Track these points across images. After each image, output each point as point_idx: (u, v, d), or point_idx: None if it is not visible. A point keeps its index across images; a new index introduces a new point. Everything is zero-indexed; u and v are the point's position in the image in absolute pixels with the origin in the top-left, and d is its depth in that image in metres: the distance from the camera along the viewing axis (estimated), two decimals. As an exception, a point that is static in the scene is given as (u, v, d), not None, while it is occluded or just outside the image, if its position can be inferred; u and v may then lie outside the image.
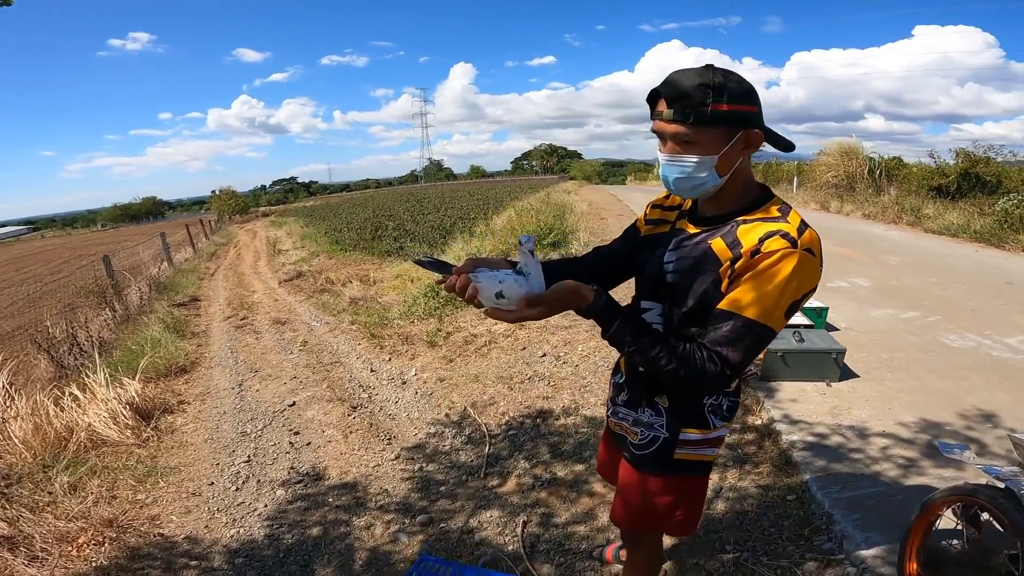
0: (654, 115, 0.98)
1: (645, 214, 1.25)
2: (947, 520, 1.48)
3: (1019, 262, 6.15)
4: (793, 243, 0.91)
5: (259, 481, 2.74)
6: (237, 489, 2.69)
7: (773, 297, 0.92)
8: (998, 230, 7.25)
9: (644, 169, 39.97)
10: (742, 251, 0.94)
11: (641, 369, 1.12)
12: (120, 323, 6.26)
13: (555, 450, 2.72)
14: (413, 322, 5.05)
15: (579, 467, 2.54)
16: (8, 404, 3.31)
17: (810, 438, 2.55)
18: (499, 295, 0.97)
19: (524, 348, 4.06)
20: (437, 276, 1.06)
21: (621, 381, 1.28)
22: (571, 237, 8.13)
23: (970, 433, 2.52)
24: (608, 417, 1.35)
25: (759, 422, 2.78)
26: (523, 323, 3.49)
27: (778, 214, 0.98)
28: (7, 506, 2.37)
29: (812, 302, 3.83)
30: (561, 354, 3.87)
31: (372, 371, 4.06)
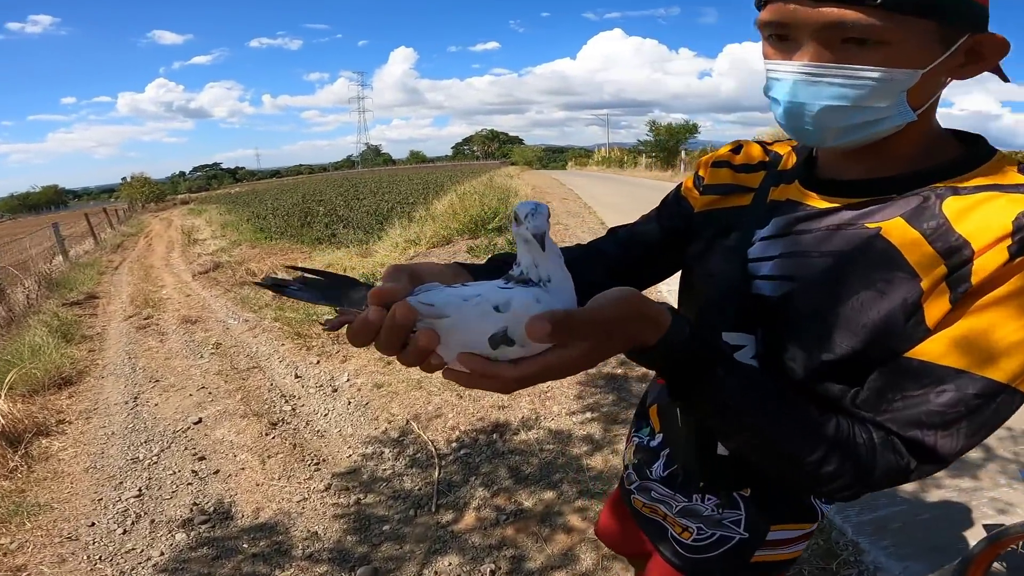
0: None
1: (697, 175, 0.76)
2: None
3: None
4: None
5: (153, 521, 2.26)
6: (125, 532, 2.21)
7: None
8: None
9: (584, 155, 40.50)
10: (968, 246, 0.47)
11: (728, 450, 0.65)
12: (1, 328, 5.40)
13: (517, 473, 2.34)
14: (346, 318, 4.53)
15: (548, 494, 2.17)
16: None
17: None
18: (500, 337, 0.42)
19: (472, 345, 3.66)
20: (325, 309, 0.53)
21: (654, 445, 0.81)
22: (517, 221, 7.77)
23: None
24: (629, 489, 0.87)
25: None
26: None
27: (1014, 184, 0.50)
28: None
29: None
30: (514, 351, 3.48)
31: (297, 377, 3.55)
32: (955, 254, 0.48)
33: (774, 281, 0.60)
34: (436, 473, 2.37)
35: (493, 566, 1.84)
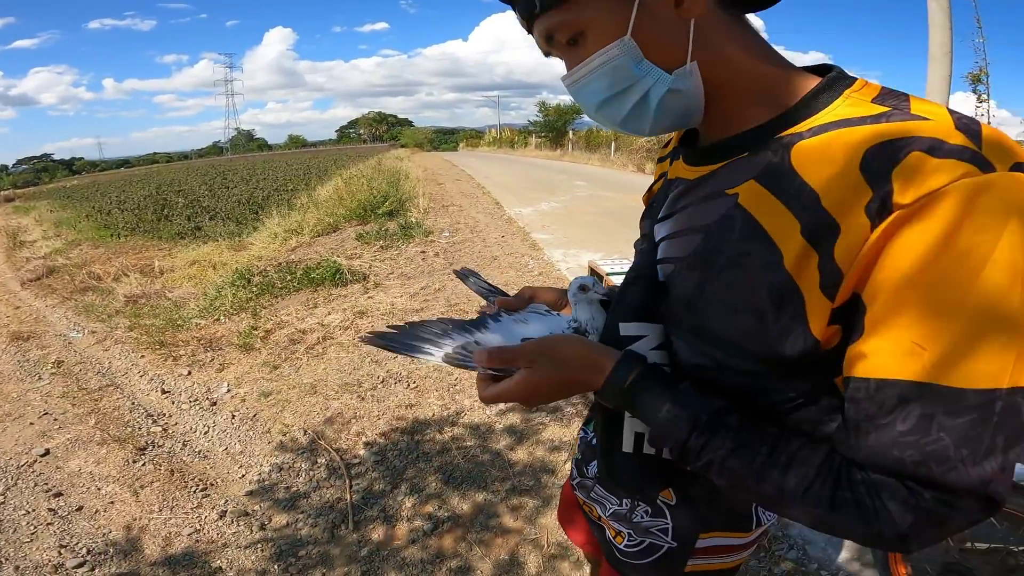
0: (526, 27, 0.54)
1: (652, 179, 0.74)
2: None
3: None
4: (975, 159, 0.38)
5: (18, 567, 1.88)
6: None
7: (1002, 314, 0.37)
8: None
9: (475, 136, 40.41)
10: (828, 207, 0.41)
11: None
12: None
13: (445, 474, 2.19)
14: (218, 320, 4.07)
15: (479, 496, 2.05)
16: None
17: None
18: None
19: (369, 341, 3.42)
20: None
21: (595, 442, 0.75)
22: (409, 204, 7.47)
23: None
24: (572, 486, 0.83)
25: None
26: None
27: (883, 107, 0.43)
28: None
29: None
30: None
31: (164, 392, 3.09)
32: (811, 220, 0.42)
33: (662, 264, 0.57)
34: (348, 485, 2.14)
35: None
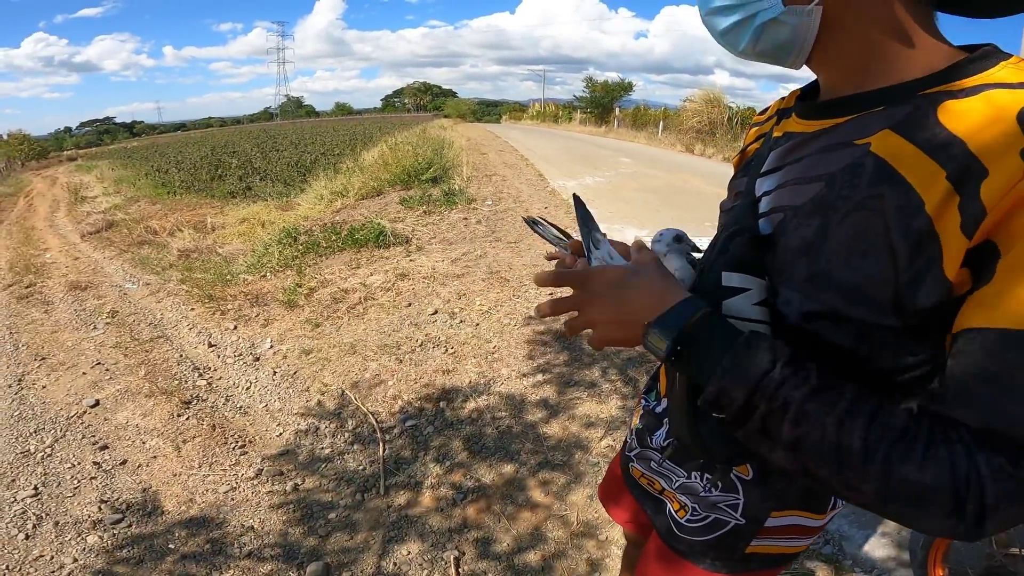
0: None
1: (743, 144, 0.72)
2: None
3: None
4: None
5: (58, 523, 1.92)
6: (27, 537, 1.87)
7: None
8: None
9: (519, 109, 40.05)
10: (976, 152, 0.39)
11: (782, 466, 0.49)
12: None
13: (472, 444, 2.15)
14: (264, 276, 4.16)
15: (507, 468, 2.00)
16: None
17: None
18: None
19: (410, 305, 3.40)
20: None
21: (659, 410, 0.72)
22: (452, 171, 7.42)
23: None
24: (628, 456, 0.79)
25: None
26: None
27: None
28: None
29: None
30: (456, 311, 3.25)
31: (211, 346, 3.17)
32: (958, 165, 0.40)
33: (768, 216, 0.54)
34: (381, 450, 2.13)
35: (457, 552, 1.66)
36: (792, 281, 0.50)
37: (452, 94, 73.50)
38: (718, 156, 11.77)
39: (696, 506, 0.67)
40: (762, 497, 0.62)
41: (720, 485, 0.64)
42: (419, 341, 2.95)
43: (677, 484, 0.70)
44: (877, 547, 1.60)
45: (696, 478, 0.67)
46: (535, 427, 2.22)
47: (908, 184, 0.42)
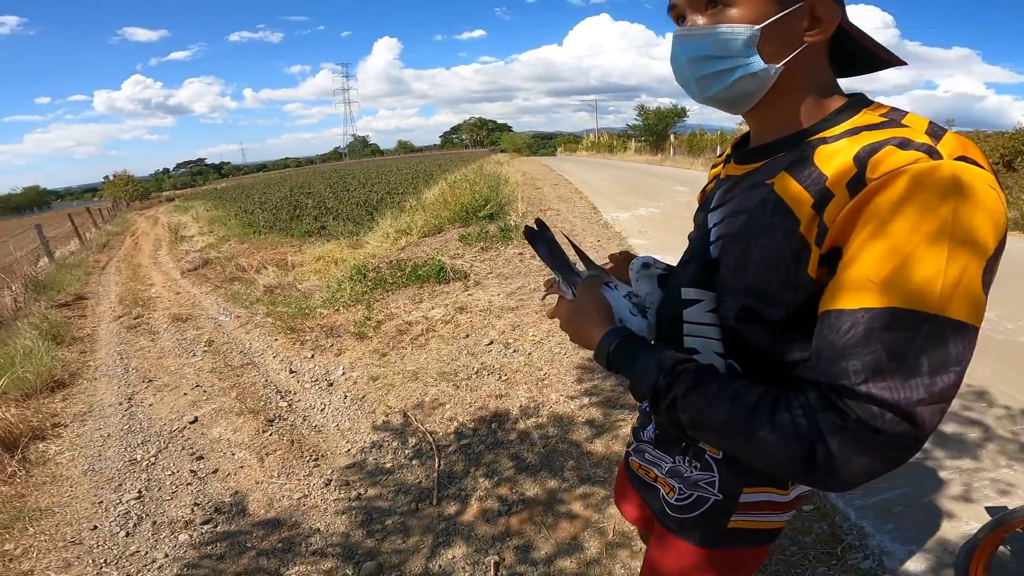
0: None
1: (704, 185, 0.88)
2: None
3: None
4: (930, 152, 0.50)
5: (155, 523, 2.21)
6: (128, 534, 2.16)
7: (936, 255, 0.47)
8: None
9: (573, 140, 40.19)
10: (828, 185, 0.54)
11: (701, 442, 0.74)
12: (-15, 333, 5.27)
13: (519, 462, 2.31)
14: (338, 310, 4.49)
15: (551, 483, 2.15)
16: None
17: None
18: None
19: (467, 336, 3.62)
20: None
21: (648, 408, 0.87)
22: (508, 207, 7.71)
23: (970, 414, 2.34)
24: (628, 452, 0.95)
25: None
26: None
27: (883, 119, 0.57)
28: None
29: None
30: (510, 341, 3.44)
31: (292, 372, 3.50)
32: (820, 195, 0.55)
33: (715, 243, 0.69)
34: (437, 464, 2.34)
35: (498, 557, 1.82)
36: (729, 292, 0.66)
37: (507, 128, 74.81)
38: None
39: (682, 486, 0.79)
40: (732, 474, 0.74)
41: (699, 465, 0.76)
42: (475, 369, 3.15)
43: (666, 469, 0.82)
44: (918, 562, 1.61)
45: (680, 461, 0.79)
46: (580, 446, 2.35)
47: (791, 211, 0.57)
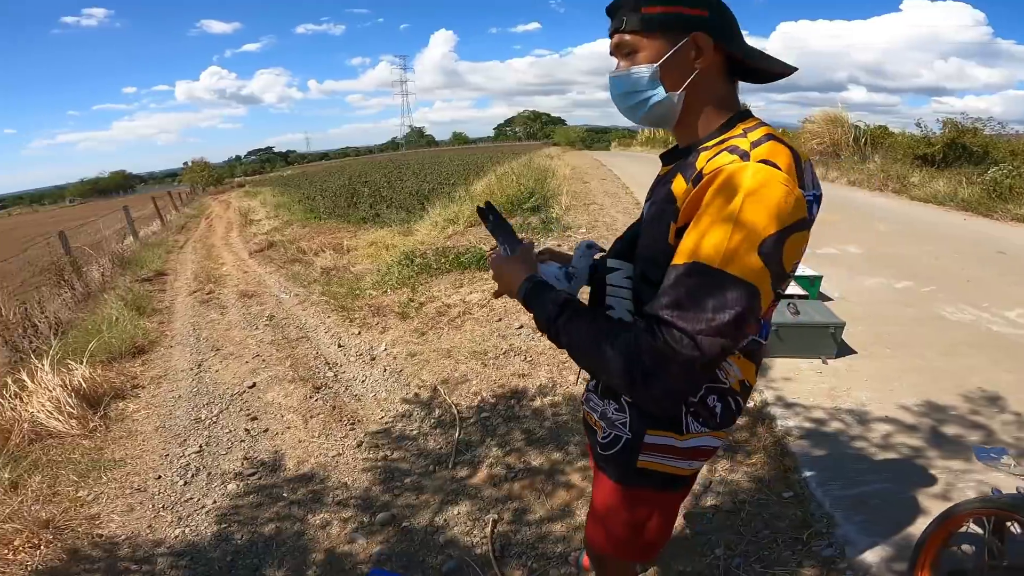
0: (610, 35, 0.86)
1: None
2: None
3: (1009, 231, 5.98)
4: (743, 156, 0.71)
5: (210, 474, 2.52)
6: (186, 483, 2.47)
7: (725, 229, 0.67)
8: (986, 199, 7.16)
9: (628, 135, 39.47)
10: (691, 179, 0.75)
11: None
12: (80, 302, 5.94)
13: (530, 435, 2.51)
14: (386, 292, 4.80)
15: (556, 455, 2.34)
16: None
17: (807, 424, 2.36)
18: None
19: (500, 320, 3.83)
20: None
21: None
22: (552, 201, 7.84)
23: (977, 418, 2.34)
24: (582, 404, 1.12)
25: (751, 404, 2.57)
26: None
27: (740, 131, 0.77)
28: None
29: (803, 269, 3.60)
30: (539, 326, 3.63)
31: (340, 346, 3.83)
32: (689, 184, 0.75)
33: (641, 225, 0.90)
34: (457, 434, 2.57)
35: (497, 516, 2.03)
36: (640, 260, 0.85)
37: (561, 122, 74.18)
38: (842, 180, 10.77)
39: (606, 426, 0.95)
40: (638, 415, 0.91)
41: (616, 406, 0.93)
42: (503, 350, 3.36)
43: (599, 412, 0.98)
44: (877, 554, 1.66)
45: (607, 404, 0.96)
46: (587, 423, 2.54)
47: (675, 200, 0.77)
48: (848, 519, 1.77)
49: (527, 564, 1.81)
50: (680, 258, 0.71)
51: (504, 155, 21.16)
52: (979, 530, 1.25)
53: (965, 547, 1.33)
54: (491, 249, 1.08)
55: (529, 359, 3.23)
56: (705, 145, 0.79)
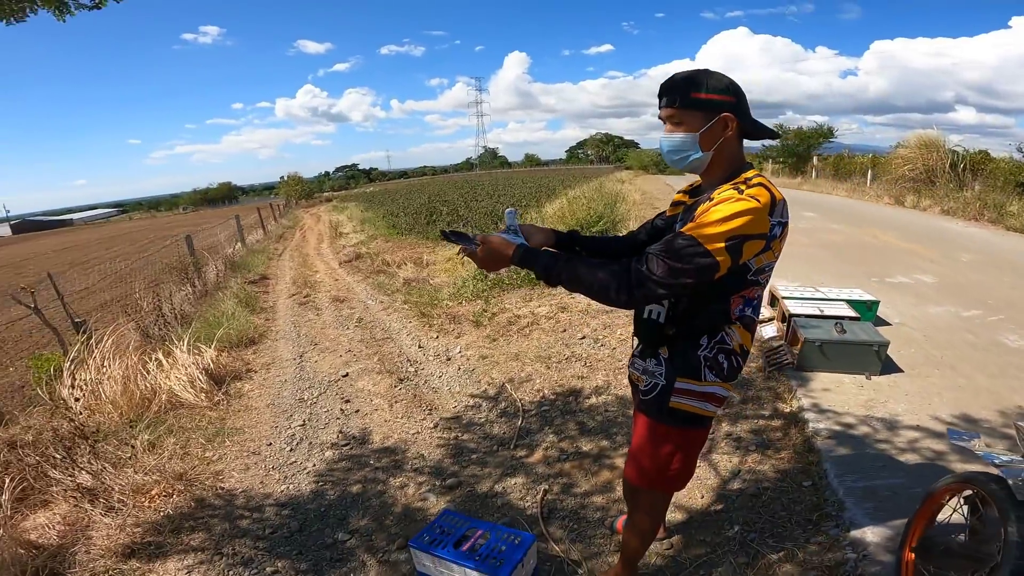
0: (660, 106, 1.24)
1: (672, 201, 1.45)
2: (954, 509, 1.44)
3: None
4: (739, 191, 1.11)
5: (311, 443, 2.98)
6: (291, 450, 2.92)
7: (712, 224, 1.09)
8: (1092, 232, 6.64)
9: (704, 159, 38.23)
10: (708, 201, 1.16)
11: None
12: (199, 298, 6.82)
13: (583, 426, 2.82)
14: (461, 303, 5.24)
15: (604, 443, 2.64)
16: (104, 367, 3.68)
17: (836, 427, 2.52)
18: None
19: (565, 330, 4.16)
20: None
21: (634, 334, 1.44)
22: (620, 226, 8.09)
23: (1008, 431, 2.41)
24: (628, 368, 1.48)
25: (788, 409, 2.76)
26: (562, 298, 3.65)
27: (743, 178, 1.16)
28: (94, 461, 2.62)
29: (862, 295, 3.72)
30: (600, 337, 3.95)
31: (420, 347, 4.29)
32: (706, 203, 1.16)
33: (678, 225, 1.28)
34: (519, 422, 2.93)
35: (547, 487, 2.35)
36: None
37: (634, 145, 72.85)
38: (935, 208, 10.23)
39: (647, 377, 1.33)
40: (672, 368, 1.28)
41: (656, 361, 1.31)
42: (566, 356, 3.70)
43: (640, 369, 1.36)
44: (877, 535, 1.81)
45: (648, 361, 1.33)
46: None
47: (695, 214, 1.16)
48: (857, 505, 1.95)
49: (568, 525, 2.11)
50: (683, 229, 1.14)
51: (575, 178, 21.46)
52: (964, 511, 1.38)
53: (954, 525, 1.44)
54: (459, 251, 1.38)
55: (589, 364, 3.54)
56: (722, 187, 1.17)
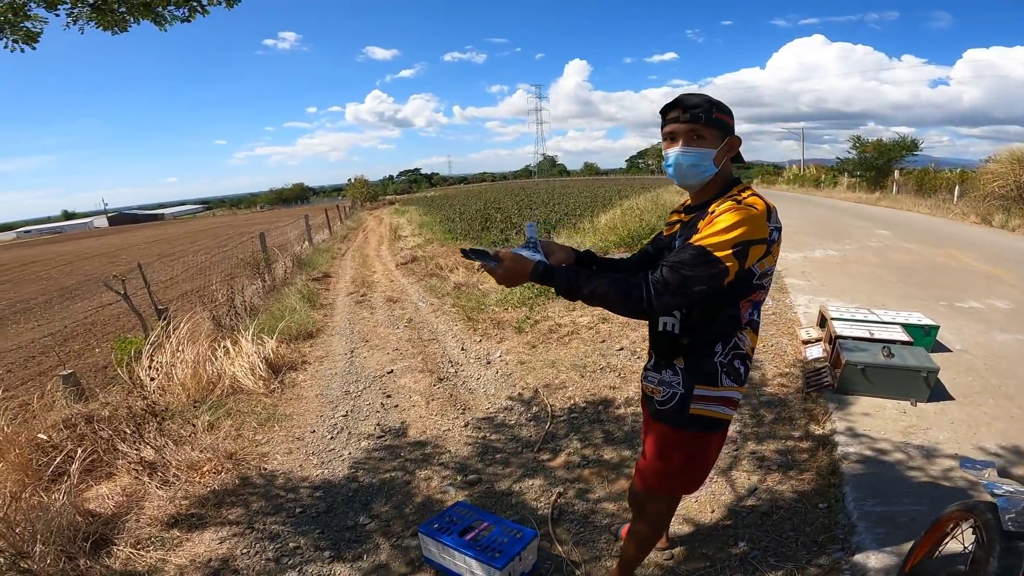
0: (668, 122, 1.31)
1: (667, 221, 1.53)
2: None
3: None
4: (737, 202, 1.22)
5: (350, 433, 3.18)
6: (332, 438, 3.12)
7: (718, 233, 1.19)
8: None
9: (772, 172, 36.55)
10: (709, 214, 1.26)
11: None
12: (267, 292, 7.35)
13: (609, 435, 2.87)
14: (507, 309, 5.38)
15: (626, 452, 2.68)
16: (178, 351, 4.08)
17: (868, 452, 2.45)
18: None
19: (603, 341, 4.21)
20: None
21: (650, 349, 1.51)
22: (673, 238, 7.98)
23: None
24: (641, 382, 1.54)
25: (820, 432, 2.69)
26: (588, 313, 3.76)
27: (735, 193, 1.27)
28: (158, 437, 2.87)
29: (921, 319, 3.54)
30: (637, 349, 3.96)
31: (463, 350, 4.45)
32: (707, 215, 1.27)
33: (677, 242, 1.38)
34: (547, 427, 3.01)
35: (562, 490, 2.43)
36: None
37: None
38: None
39: (664, 388, 1.39)
40: (689, 376, 1.35)
41: (672, 372, 1.37)
42: (601, 366, 3.75)
43: (656, 381, 1.41)
44: (881, 561, 1.77)
45: (664, 373, 1.39)
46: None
47: (698, 230, 1.25)
48: (869, 530, 1.91)
49: (575, 528, 2.18)
50: (690, 241, 1.23)
51: (633, 188, 21.18)
52: (965, 540, 1.34)
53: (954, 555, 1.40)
54: (479, 267, 1.45)
55: (622, 376, 3.57)
56: (717, 202, 1.26)
